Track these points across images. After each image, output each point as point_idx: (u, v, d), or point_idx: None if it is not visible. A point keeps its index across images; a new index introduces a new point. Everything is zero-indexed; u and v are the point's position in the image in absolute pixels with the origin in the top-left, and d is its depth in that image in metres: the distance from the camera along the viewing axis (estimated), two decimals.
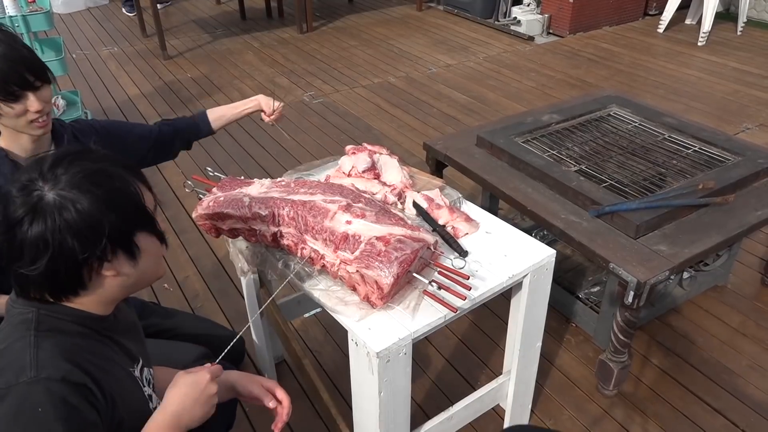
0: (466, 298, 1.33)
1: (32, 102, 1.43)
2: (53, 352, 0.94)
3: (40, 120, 1.47)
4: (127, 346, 1.09)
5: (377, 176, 1.72)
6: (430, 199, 1.65)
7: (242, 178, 1.62)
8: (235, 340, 1.25)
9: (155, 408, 1.11)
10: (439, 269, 1.37)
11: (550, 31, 5.75)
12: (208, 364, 1.07)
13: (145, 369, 1.13)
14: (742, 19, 5.56)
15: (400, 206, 1.66)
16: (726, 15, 5.97)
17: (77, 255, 0.92)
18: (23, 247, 0.91)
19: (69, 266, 0.93)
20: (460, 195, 1.74)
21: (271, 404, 1.15)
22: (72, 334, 0.98)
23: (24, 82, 1.41)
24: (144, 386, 1.10)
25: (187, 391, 1.01)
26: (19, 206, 0.90)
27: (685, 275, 2.30)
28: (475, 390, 1.75)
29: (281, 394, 1.18)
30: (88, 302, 1.00)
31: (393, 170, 1.73)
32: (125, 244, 0.97)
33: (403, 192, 1.69)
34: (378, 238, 1.32)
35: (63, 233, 0.90)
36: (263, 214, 1.44)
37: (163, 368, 1.30)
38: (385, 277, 1.26)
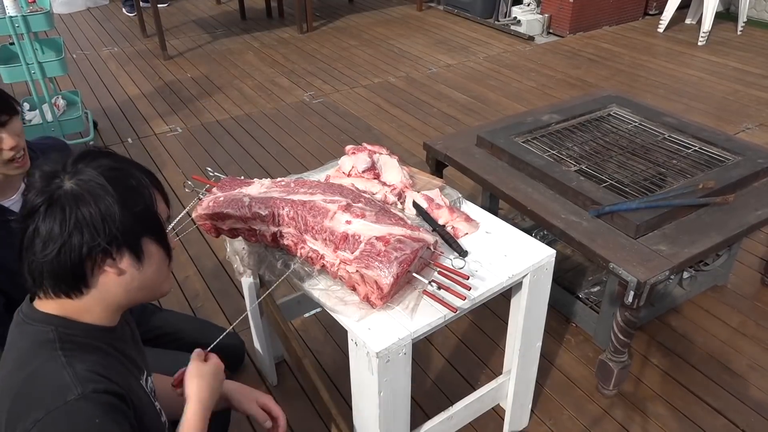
0: (465, 298, 1.33)
1: (6, 140, 1.41)
2: (87, 368, 0.94)
3: (18, 159, 1.45)
4: (132, 356, 1.09)
5: (377, 176, 1.72)
6: (430, 199, 1.65)
7: (242, 178, 1.62)
8: (223, 335, 1.36)
9: (165, 422, 1.12)
10: (438, 269, 1.37)
11: (550, 31, 5.75)
12: (212, 355, 1.22)
13: (149, 378, 1.14)
14: (742, 18, 5.55)
15: (400, 206, 1.66)
16: (726, 15, 5.97)
17: (83, 246, 0.93)
18: (37, 233, 0.92)
19: (75, 256, 0.93)
20: (460, 195, 1.74)
21: (267, 424, 1.25)
22: (92, 350, 0.99)
23: None
24: (154, 401, 1.11)
25: (210, 381, 1.16)
26: (38, 194, 0.93)
27: (685, 275, 2.30)
28: (475, 390, 1.75)
29: (276, 410, 1.27)
30: (94, 307, 1.00)
31: (393, 170, 1.73)
32: (132, 244, 0.98)
33: (403, 192, 1.69)
34: (378, 238, 1.32)
35: (75, 222, 0.92)
36: (263, 214, 1.44)
37: (160, 376, 1.30)
38: (385, 277, 1.26)
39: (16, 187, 1.54)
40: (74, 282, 0.96)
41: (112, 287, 0.99)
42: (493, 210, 2.52)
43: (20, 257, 0.96)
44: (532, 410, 1.95)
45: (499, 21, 5.96)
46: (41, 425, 0.88)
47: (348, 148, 1.79)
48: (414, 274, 1.35)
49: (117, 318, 1.06)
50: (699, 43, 5.30)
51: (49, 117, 3.34)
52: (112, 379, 0.96)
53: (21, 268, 0.97)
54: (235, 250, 1.62)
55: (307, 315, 2.32)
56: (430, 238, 1.39)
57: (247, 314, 2.00)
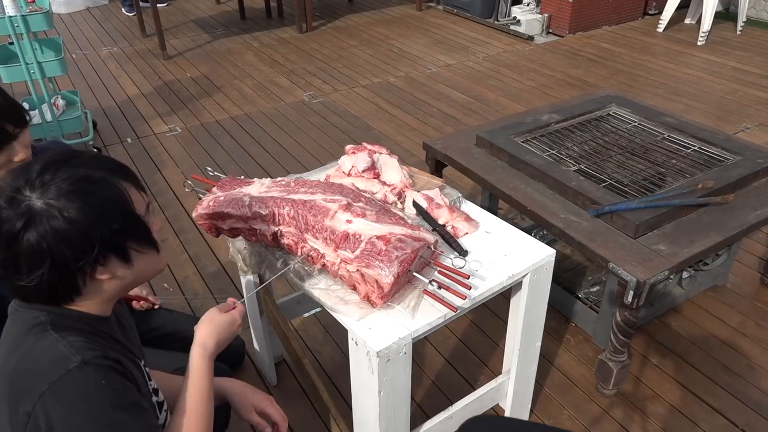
0: (466, 297, 1.33)
1: (17, 151, 1.43)
2: (81, 341, 0.95)
3: None
4: (126, 344, 1.10)
5: (377, 176, 1.72)
6: (430, 199, 1.65)
7: (242, 177, 1.62)
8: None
9: (161, 402, 1.14)
10: (439, 268, 1.37)
11: (550, 30, 5.75)
12: (238, 305, 1.25)
13: (145, 368, 1.14)
14: (741, 18, 5.56)
15: (400, 206, 1.66)
16: (725, 14, 5.98)
17: (70, 264, 0.92)
18: (18, 258, 0.91)
19: (63, 275, 0.93)
20: (460, 194, 1.74)
21: (268, 431, 1.27)
22: (85, 332, 0.99)
23: (4, 134, 1.39)
24: (149, 380, 1.12)
25: (221, 329, 1.18)
26: (13, 220, 0.90)
27: (685, 275, 2.30)
28: (475, 390, 1.75)
29: (275, 415, 1.28)
30: (87, 304, 1.01)
31: (393, 170, 1.73)
32: (117, 250, 0.98)
33: (403, 191, 1.69)
34: (378, 237, 1.32)
35: (56, 242, 0.90)
36: (263, 213, 1.44)
37: (161, 373, 1.30)
38: (386, 276, 1.26)
39: None
40: (67, 294, 0.97)
41: (106, 288, 1.00)
42: (492, 210, 2.52)
43: (6, 278, 0.95)
44: (531, 410, 1.96)
45: (498, 21, 5.96)
46: (47, 397, 0.88)
47: (348, 147, 1.79)
48: (414, 274, 1.35)
49: (110, 308, 1.07)
50: (698, 43, 5.30)
51: (48, 117, 3.34)
52: (106, 354, 0.96)
53: (9, 286, 0.96)
54: (238, 249, 1.63)
55: (306, 315, 2.32)
56: (430, 237, 1.39)
57: (246, 314, 2.00)
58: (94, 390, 0.90)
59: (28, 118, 1.49)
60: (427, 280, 1.32)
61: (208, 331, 1.16)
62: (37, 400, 0.88)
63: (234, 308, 1.24)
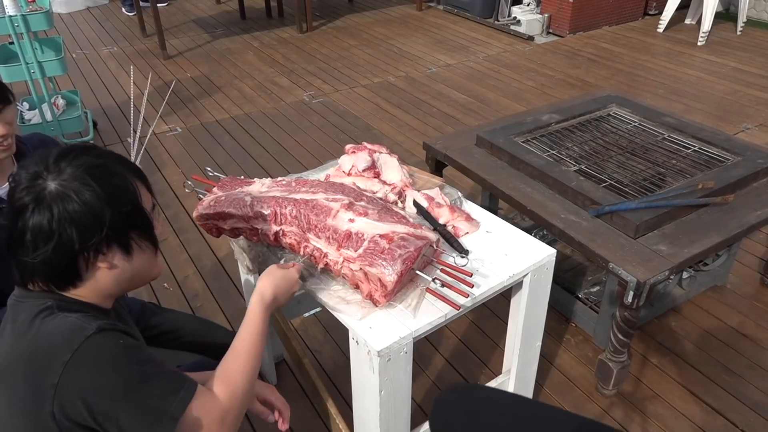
0: (469, 295, 1.33)
1: None
2: (90, 316, 0.98)
3: (4, 143, 1.49)
4: None
5: (377, 175, 1.73)
6: (430, 198, 1.65)
7: (242, 177, 1.62)
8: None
9: None
10: (441, 267, 1.37)
11: (550, 30, 5.76)
12: (297, 264, 1.33)
13: None
14: (741, 18, 5.56)
15: (400, 205, 1.66)
16: (726, 15, 5.98)
17: (75, 245, 0.95)
18: (26, 234, 0.94)
19: (67, 256, 0.96)
20: (461, 194, 1.74)
21: (270, 419, 1.28)
22: (89, 314, 1.01)
23: None
24: None
25: (279, 283, 1.25)
26: (24, 194, 0.94)
27: (685, 275, 2.30)
28: None
29: (278, 403, 1.30)
30: (87, 295, 1.03)
31: (393, 169, 1.73)
32: (120, 239, 1.00)
33: (404, 191, 1.69)
34: (381, 236, 1.32)
35: (64, 223, 0.93)
36: (265, 213, 1.44)
37: None
38: (389, 274, 1.26)
39: (7, 175, 1.57)
40: (68, 278, 0.99)
41: (104, 279, 1.02)
42: (492, 210, 2.52)
43: (8, 252, 0.98)
44: None
45: (498, 21, 5.96)
46: (72, 365, 0.90)
47: (348, 147, 1.79)
48: (417, 272, 1.35)
49: (110, 304, 1.09)
50: (699, 43, 5.30)
51: (48, 116, 3.34)
52: (115, 324, 0.99)
53: (10, 261, 0.99)
54: (241, 248, 1.63)
55: (306, 315, 2.32)
56: (432, 235, 1.39)
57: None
58: (116, 350, 0.94)
59: (11, 97, 1.52)
60: (430, 278, 1.33)
61: (267, 283, 1.23)
62: (61, 371, 0.90)
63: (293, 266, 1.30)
